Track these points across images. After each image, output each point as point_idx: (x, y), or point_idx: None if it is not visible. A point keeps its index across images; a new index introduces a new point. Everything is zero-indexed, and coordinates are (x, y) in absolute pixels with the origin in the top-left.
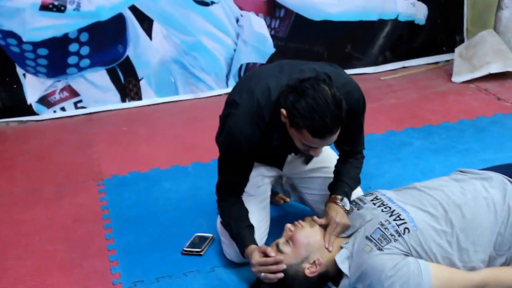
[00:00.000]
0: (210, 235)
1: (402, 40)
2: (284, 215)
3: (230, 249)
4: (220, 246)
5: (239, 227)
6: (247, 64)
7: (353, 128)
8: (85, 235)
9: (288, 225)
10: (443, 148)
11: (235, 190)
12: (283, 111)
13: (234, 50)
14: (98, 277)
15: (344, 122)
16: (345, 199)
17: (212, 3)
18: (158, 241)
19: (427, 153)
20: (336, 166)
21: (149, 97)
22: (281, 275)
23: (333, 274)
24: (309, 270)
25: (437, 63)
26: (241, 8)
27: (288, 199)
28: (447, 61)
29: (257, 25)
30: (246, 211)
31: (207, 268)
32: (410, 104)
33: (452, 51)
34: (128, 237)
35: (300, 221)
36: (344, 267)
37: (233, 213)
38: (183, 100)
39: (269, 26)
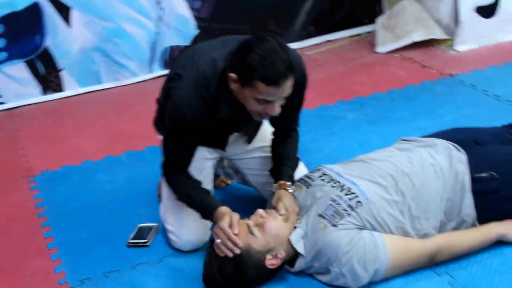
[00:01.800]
0: (154, 224)
1: (324, 14)
2: (228, 198)
3: (178, 237)
4: (166, 235)
5: (200, 194)
6: (171, 47)
7: (295, 102)
8: (22, 236)
9: (260, 210)
10: (376, 118)
11: (182, 166)
12: (232, 75)
13: (157, 34)
14: (42, 278)
15: (294, 74)
16: (292, 184)
17: None
18: (101, 235)
19: (362, 125)
20: (274, 148)
21: (71, 88)
22: (230, 253)
23: (289, 255)
24: (270, 262)
25: (359, 35)
26: None
27: (229, 181)
28: (369, 32)
29: (179, 7)
30: (199, 181)
31: (155, 258)
32: (338, 77)
33: (373, 22)
34: (69, 234)
35: (274, 212)
36: (299, 246)
37: (188, 183)
38: (108, 88)
39: (191, 7)
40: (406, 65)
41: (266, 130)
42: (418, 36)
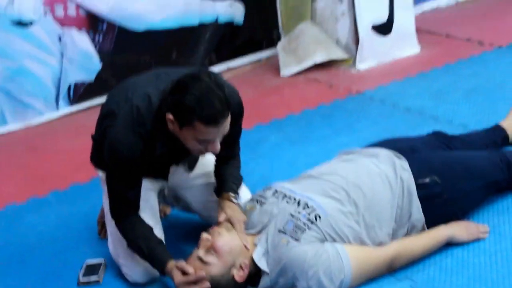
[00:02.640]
0: (101, 260)
1: (225, 41)
2: (170, 227)
3: (133, 271)
4: (117, 270)
5: (150, 246)
6: (76, 83)
7: (235, 132)
8: None
9: (205, 235)
10: (298, 138)
11: (131, 206)
12: (169, 116)
13: (61, 71)
14: None
15: (230, 110)
16: (237, 196)
17: (31, 23)
18: (47, 277)
19: (286, 146)
20: (216, 171)
21: None
22: None
23: (252, 273)
24: (238, 275)
25: (259, 60)
26: (62, 25)
27: (169, 211)
28: (268, 57)
29: (80, 41)
30: (150, 228)
31: None
32: (251, 102)
33: (271, 46)
34: (11, 281)
35: (215, 227)
36: (262, 264)
37: (139, 232)
38: (15, 130)
39: (93, 41)
40: (313, 85)
41: (206, 156)
42: (320, 57)
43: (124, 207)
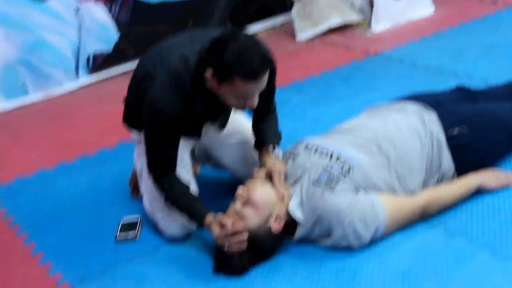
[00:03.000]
0: (137, 217)
1: (239, 8)
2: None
3: (170, 225)
4: (152, 227)
5: (189, 201)
6: (94, 53)
7: (270, 88)
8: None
9: (240, 189)
10: (320, 98)
11: (170, 164)
12: (208, 72)
13: (79, 42)
14: (37, 283)
15: (269, 66)
16: (277, 148)
17: None
18: (84, 234)
19: (308, 106)
20: (254, 127)
21: None
22: (244, 244)
23: (288, 223)
24: (275, 226)
25: (274, 26)
26: None
27: (198, 169)
28: (282, 23)
29: (98, 13)
30: (187, 185)
31: (149, 249)
32: None
33: (284, 12)
34: (49, 238)
35: (250, 181)
36: (297, 214)
37: (177, 189)
38: (37, 101)
39: (109, 12)
40: (330, 48)
41: (237, 118)
42: (335, 21)
43: (163, 165)
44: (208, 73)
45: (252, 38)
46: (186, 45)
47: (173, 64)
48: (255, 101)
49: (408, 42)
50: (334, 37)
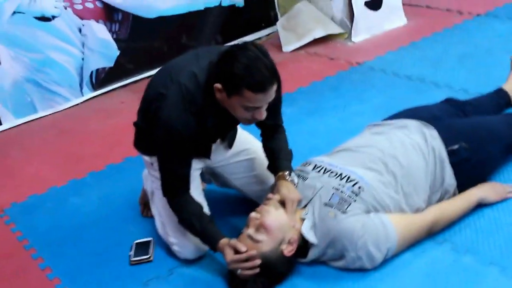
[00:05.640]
0: (150, 239)
1: (228, 22)
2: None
3: (184, 248)
4: (166, 247)
5: (202, 223)
6: (97, 70)
7: (276, 99)
8: (16, 272)
9: (253, 214)
10: (313, 109)
11: (183, 184)
12: (218, 85)
13: (83, 59)
14: None
15: (277, 78)
16: (292, 174)
17: (53, 17)
18: (98, 257)
19: (303, 117)
20: (265, 145)
21: (8, 121)
22: (257, 269)
23: (300, 246)
24: (288, 250)
25: (259, 38)
26: (81, 18)
27: (205, 186)
28: (268, 35)
29: (99, 32)
30: (201, 206)
31: (164, 272)
32: None
33: (269, 26)
34: (65, 262)
35: (263, 206)
36: (311, 237)
37: (191, 210)
38: (44, 116)
39: (110, 30)
40: (315, 59)
41: (242, 133)
42: (318, 33)
43: (177, 185)
44: (218, 86)
45: (261, 49)
46: (193, 62)
47: (183, 82)
48: (264, 113)
49: (387, 52)
50: (318, 48)
